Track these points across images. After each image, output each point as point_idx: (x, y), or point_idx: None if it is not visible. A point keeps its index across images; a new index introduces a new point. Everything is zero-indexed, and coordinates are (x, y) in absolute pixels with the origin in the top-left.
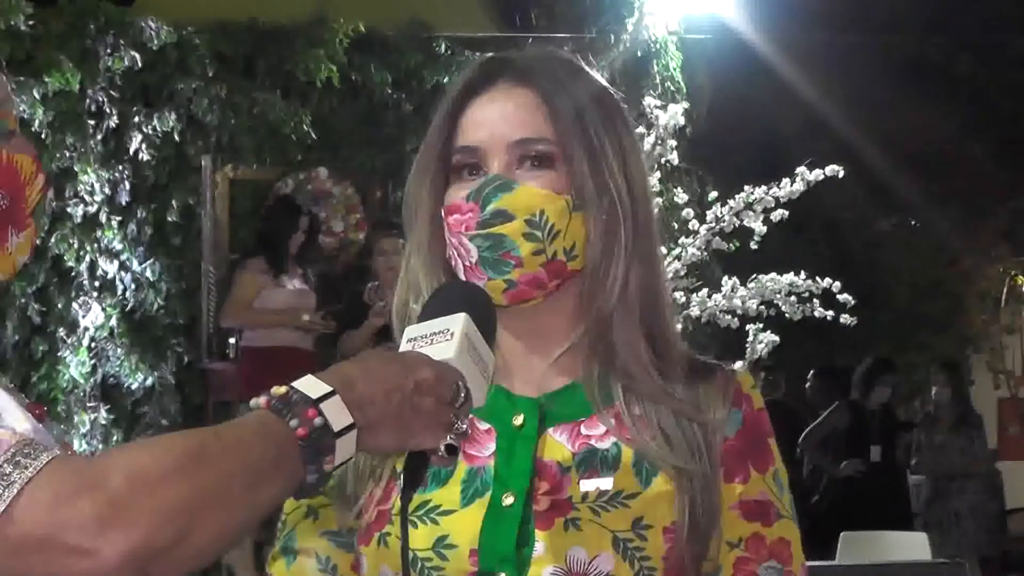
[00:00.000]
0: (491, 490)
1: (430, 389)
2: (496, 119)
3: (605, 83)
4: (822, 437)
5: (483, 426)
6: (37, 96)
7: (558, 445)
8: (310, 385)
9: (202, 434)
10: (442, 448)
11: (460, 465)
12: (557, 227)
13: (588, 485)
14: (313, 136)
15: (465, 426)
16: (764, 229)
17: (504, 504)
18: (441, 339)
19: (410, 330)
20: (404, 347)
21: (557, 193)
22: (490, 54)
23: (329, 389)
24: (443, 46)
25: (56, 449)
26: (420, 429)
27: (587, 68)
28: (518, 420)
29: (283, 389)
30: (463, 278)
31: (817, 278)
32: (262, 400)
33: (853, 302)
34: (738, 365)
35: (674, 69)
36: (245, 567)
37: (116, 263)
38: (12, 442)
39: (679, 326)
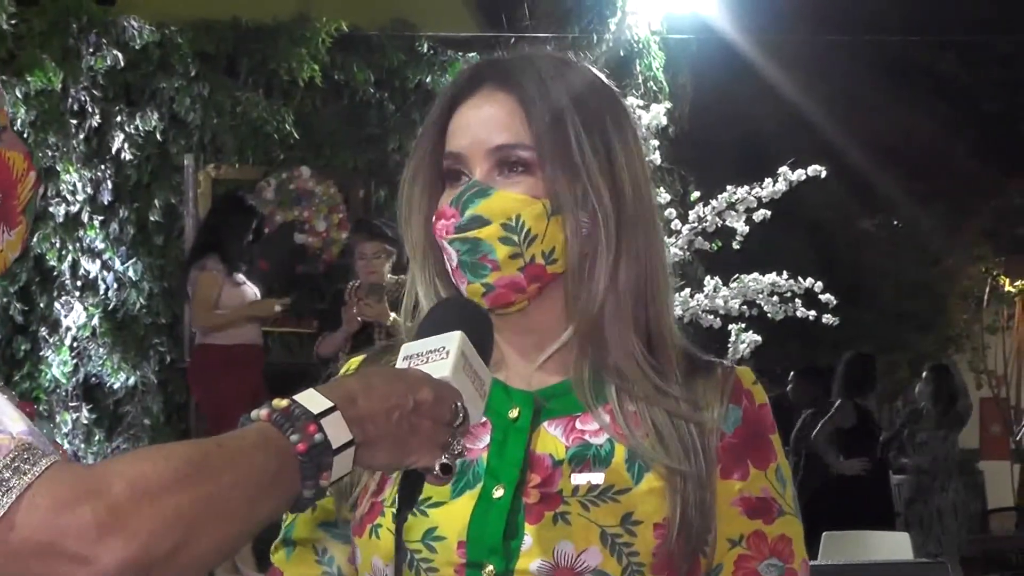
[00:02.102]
0: (482, 482)
1: (429, 409)
2: (478, 124)
3: (598, 77)
4: (828, 435)
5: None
6: (19, 95)
7: (552, 439)
8: (312, 399)
9: (204, 444)
10: (437, 467)
11: None
12: (534, 231)
13: (579, 479)
14: (295, 135)
15: (461, 447)
16: (746, 229)
17: (494, 496)
18: (437, 357)
19: (406, 347)
20: (400, 365)
21: (535, 197)
22: (481, 56)
23: (330, 404)
24: (426, 46)
25: (55, 454)
26: (417, 448)
27: (578, 64)
28: (513, 413)
29: (285, 402)
30: (453, 281)
31: (799, 278)
32: (263, 412)
33: (835, 302)
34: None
35: (656, 69)
36: (244, 560)
37: (98, 262)
38: (11, 447)
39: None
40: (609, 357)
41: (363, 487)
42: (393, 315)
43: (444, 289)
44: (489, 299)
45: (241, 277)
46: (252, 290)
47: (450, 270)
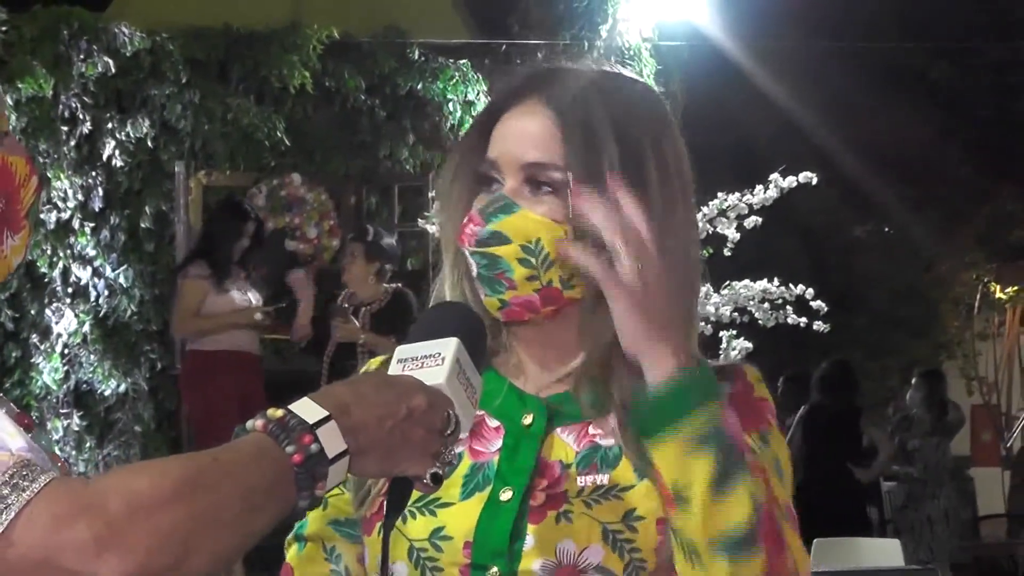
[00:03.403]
0: (491, 485)
1: (422, 417)
2: (516, 136)
3: (646, 96)
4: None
5: (493, 424)
6: (10, 102)
7: (563, 444)
8: (306, 409)
9: (200, 458)
10: (427, 476)
11: (464, 460)
12: (553, 256)
13: (585, 480)
14: (287, 142)
15: (452, 456)
16: (737, 236)
17: (502, 499)
18: (432, 363)
19: (401, 350)
20: (394, 368)
21: (558, 222)
22: (472, 63)
23: (325, 414)
24: (417, 52)
25: (53, 471)
26: (408, 457)
27: (628, 80)
28: (527, 419)
29: (279, 412)
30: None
31: (790, 285)
32: (258, 423)
33: (826, 309)
34: None
35: (648, 76)
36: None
37: (89, 269)
38: (10, 463)
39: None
40: (614, 384)
41: (376, 487)
42: (365, 335)
43: (470, 291)
44: (504, 314)
45: (229, 284)
46: (242, 296)
47: (473, 277)
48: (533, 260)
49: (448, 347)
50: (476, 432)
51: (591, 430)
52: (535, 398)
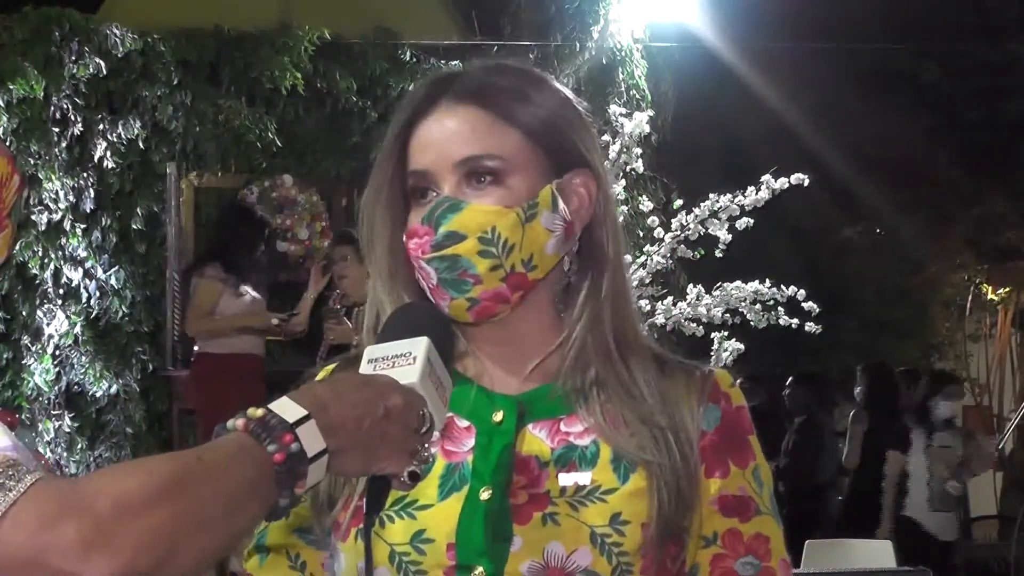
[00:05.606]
0: (469, 484)
1: (399, 416)
2: (441, 140)
3: (561, 88)
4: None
5: (463, 423)
6: (1, 103)
7: (536, 440)
8: (286, 408)
9: (184, 458)
10: (404, 474)
11: (438, 460)
12: (511, 241)
13: (566, 480)
14: (278, 143)
15: (428, 454)
16: (729, 237)
17: (481, 498)
18: (404, 362)
19: (371, 350)
20: (365, 367)
21: (507, 207)
22: (464, 65)
23: (304, 413)
24: (408, 54)
25: (39, 470)
26: (386, 455)
27: (540, 75)
28: (497, 416)
29: (260, 412)
30: (431, 299)
31: (782, 286)
32: (239, 422)
33: (818, 310)
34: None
35: (639, 77)
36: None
37: (81, 271)
38: None
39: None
40: (590, 361)
41: (347, 492)
42: (358, 336)
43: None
44: (474, 313)
45: (245, 287)
46: (256, 300)
47: (427, 288)
48: (493, 249)
49: (419, 346)
50: (447, 433)
51: (563, 427)
52: (502, 396)
